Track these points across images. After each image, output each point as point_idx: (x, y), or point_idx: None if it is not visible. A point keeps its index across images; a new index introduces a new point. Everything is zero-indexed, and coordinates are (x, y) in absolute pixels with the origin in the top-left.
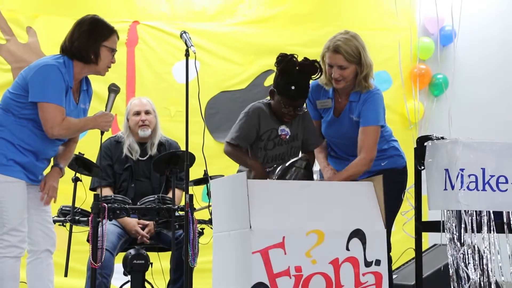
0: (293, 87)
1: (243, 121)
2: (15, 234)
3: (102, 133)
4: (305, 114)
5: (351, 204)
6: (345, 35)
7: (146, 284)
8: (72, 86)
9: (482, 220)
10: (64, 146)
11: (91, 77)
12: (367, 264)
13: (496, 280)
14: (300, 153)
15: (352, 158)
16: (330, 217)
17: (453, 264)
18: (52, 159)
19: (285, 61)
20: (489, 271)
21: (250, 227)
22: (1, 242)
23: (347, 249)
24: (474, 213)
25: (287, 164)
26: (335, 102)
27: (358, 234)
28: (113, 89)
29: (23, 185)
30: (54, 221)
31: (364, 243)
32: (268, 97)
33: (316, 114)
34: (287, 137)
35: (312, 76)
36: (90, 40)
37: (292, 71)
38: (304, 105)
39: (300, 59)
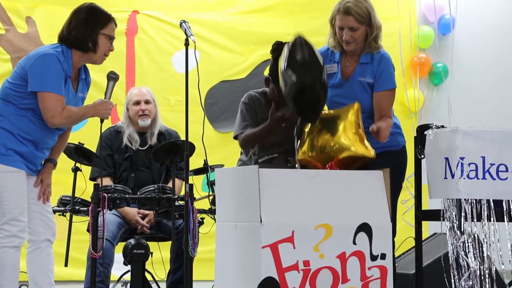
0: None
1: (244, 110)
2: (15, 224)
3: (102, 121)
4: None
5: (359, 195)
6: None
7: (146, 274)
8: (71, 75)
9: (482, 209)
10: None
11: (90, 66)
12: (373, 258)
13: (496, 268)
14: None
15: None
16: (339, 210)
17: (453, 253)
18: None
19: (280, 49)
20: (489, 260)
21: (261, 221)
22: (1, 232)
23: (354, 243)
24: (474, 201)
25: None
26: (343, 66)
27: (365, 228)
28: (112, 77)
29: (23, 175)
30: (54, 211)
31: (370, 237)
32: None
33: None
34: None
35: None
36: (87, 28)
37: None
38: None
39: None
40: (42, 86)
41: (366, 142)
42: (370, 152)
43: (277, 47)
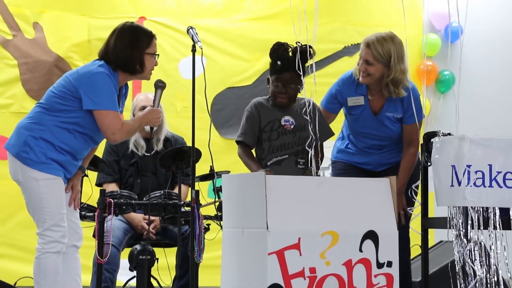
0: (279, 62)
1: (244, 118)
2: (56, 230)
3: (151, 129)
4: (314, 107)
5: (366, 203)
6: (384, 34)
7: (152, 280)
8: (118, 93)
9: (489, 217)
10: None
11: None
12: (379, 265)
13: (502, 277)
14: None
15: (369, 150)
16: (345, 217)
17: (460, 260)
18: None
19: (276, 46)
20: (496, 268)
21: (267, 227)
22: (43, 237)
23: (360, 250)
24: (481, 209)
25: None
26: (370, 100)
27: (371, 235)
28: (160, 85)
29: (61, 182)
30: None
31: (376, 245)
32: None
33: (334, 108)
34: (292, 126)
35: (306, 63)
36: (134, 51)
37: (280, 51)
38: (301, 90)
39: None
40: (99, 104)
41: None
42: None
43: (276, 49)
